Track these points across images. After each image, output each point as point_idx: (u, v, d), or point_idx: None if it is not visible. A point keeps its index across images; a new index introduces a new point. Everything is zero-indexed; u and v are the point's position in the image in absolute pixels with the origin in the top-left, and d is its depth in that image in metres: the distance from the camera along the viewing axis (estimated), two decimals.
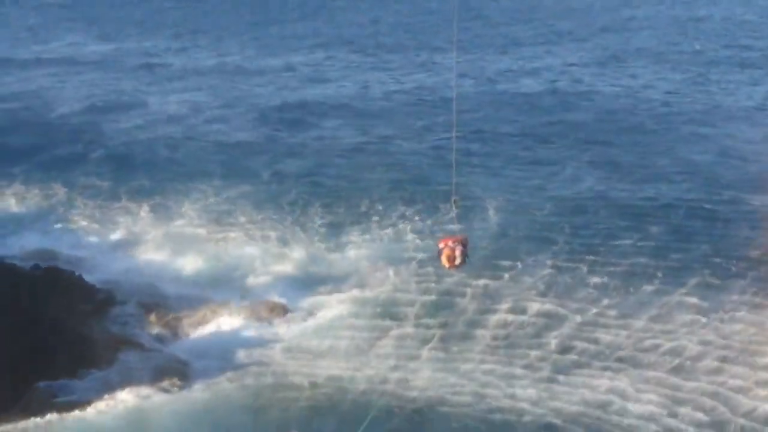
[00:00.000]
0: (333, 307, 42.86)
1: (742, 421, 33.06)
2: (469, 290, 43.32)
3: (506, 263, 45.96)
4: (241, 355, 38.95)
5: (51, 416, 34.41)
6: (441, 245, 27.72)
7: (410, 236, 50.38)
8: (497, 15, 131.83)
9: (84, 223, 54.01)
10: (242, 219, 53.61)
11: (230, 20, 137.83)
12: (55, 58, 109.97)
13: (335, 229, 51.83)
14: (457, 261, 27.05)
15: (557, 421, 33.84)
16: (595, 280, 44.18)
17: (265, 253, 48.97)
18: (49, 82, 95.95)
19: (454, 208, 30.29)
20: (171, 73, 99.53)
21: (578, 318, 40.68)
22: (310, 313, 42.44)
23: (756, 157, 61.14)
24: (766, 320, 39.65)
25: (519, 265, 45.88)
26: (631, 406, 34.31)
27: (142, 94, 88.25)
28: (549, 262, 46.15)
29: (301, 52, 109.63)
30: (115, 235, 52.19)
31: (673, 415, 33.71)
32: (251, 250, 49.21)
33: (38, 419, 34.26)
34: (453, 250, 27.08)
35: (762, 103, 76.83)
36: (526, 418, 34.01)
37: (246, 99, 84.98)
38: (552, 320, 40.85)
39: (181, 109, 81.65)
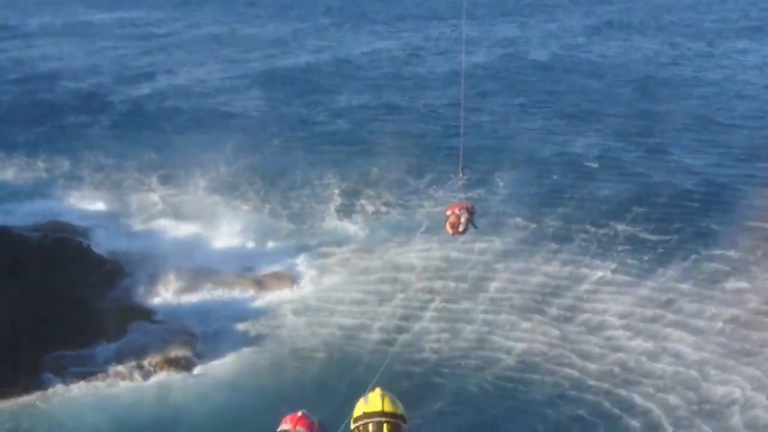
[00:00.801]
0: (339, 273, 43.37)
1: None
2: (473, 256, 43.77)
3: (512, 228, 46.35)
4: (251, 322, 39.44)
5: (61, 387, 34.76)
6: (448, 212, 26.97)
7: (418, 203, 50.72)
8: None
9: (91, 193, 54.00)
10: (251, 189, 53.78)
11: None
12: (60, 28, 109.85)
13: (345, 197, 51.97)
14: (461, 228, 26.37)
15: (565, 382, 34.68)
16: (598, 248, 44.43)
17: (274, 222, 49.25)
18: (54, 51, 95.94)
19: (461, 176, 29.22)
20: (178, 42, 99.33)
21: (583, 285, 40.94)
22: (317, 280, 42.93)
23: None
24: None
25: (524, 231, 46.25)
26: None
27: (150, 65, 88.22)
28: (552, 229, 46.53)
29: (308, 21, 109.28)
30: (123, 206, 52.28)
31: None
32: (260, 220, 49.46)
33: (49, 390, 34.61)
34: (458, 217, 26.31)
35: None
36: (526, 368, 35.25)
37: (254, 68, 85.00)
38: (555, 286, 41.38)
39: (188, 79, 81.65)
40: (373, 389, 8.91)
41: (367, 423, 8.61)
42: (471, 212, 26.46)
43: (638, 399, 33.31)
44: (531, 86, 75.00)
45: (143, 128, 66.85)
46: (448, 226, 26.54)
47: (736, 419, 31.70)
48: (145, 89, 78.26)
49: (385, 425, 8.58)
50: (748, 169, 54.05)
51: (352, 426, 8.74)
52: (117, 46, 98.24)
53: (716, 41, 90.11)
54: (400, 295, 40.91)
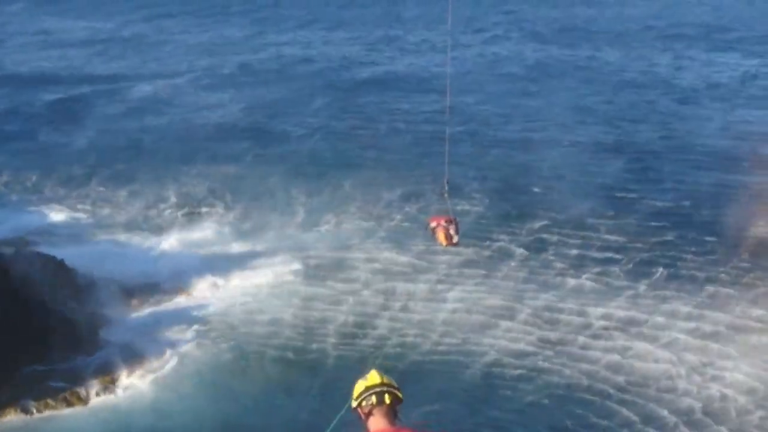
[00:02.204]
0: (298, 282, 44.47)
1: None
2: (436, 265, 44.96)
3: (485, 241, 47.17)
4: (220, 326, 40.39)
5: (38, 402, 35.06)
6: (433, 224, 28.91)
7: (387, 216, 51.45)
8: None
9: (63, 208, 54.48)
10: (219, 203, 54.37)
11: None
12: (31, 36, 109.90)
13: (311, 211, 52.56)
14: (454, 239, 28.16)
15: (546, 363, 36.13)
16: (569, 255, 45.48)
17: (238, 235, 49.90)
18: (24, 58, 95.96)
19: (445, 188, 30.87)
20: (152, 53, 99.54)
21: (547, 295, 41.81)
22: (277, 289, 43.84)
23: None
24: None
25: (496, 242, 47.03)
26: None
27: (124, 76, 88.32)
28: (528, 239, 47.53)
29: (287, 33, 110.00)
30: (93, 220, 52.85)
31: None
32: (225, 233, 50.16)
33: (26, 404, 34.95)
34: (447, 228, 28.09)
35: None
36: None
37: (230, 80, 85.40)
38: (525, 292, 42.25)
39: (163, 91, 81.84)
40: (370, 372, 9.41)
41: (371, 394, 9.06)
42: (456, 224, 28.31)
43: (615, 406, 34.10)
44: (510, 95, 75.81)
45: (115, 140, 67.14)
46: (442, 237, 28.21)
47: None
48: (121, 104, 78.38)
49: (386, 395, 9.05)
50: (723, 179, 55.19)
51: (354, 403, 9.16)
52: (90, 56, 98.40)
53: (687, 49, 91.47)
54: (352, 299, 42.11)
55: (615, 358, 36.77)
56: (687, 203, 51.79)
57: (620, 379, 35.44)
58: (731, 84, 78.05)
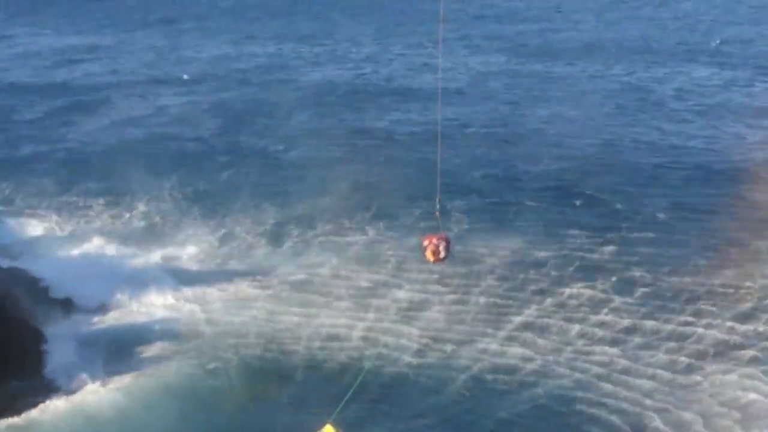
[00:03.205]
0: (266, 292, 44.71)
1: None
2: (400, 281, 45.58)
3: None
4: (186, 339, 40.43)
5: (18, 417, 34.94)
6: (426, 242, 29.81)
7: (358, 232, 51.74)
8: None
9: (34, 220, 54.64)
10: (191, 216, 54.63)
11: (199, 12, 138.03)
12: (13, 51, 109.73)
13: (284, 225, 52.93)
14: (442, 254, 29.10)
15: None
16: (551, 270, 46.16)
17: (207, 247, 50.21)
18: (7, 73, 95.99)
19: (437, 207, 32.53)
20: (133, 69, 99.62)
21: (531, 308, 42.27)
22: (247, 298, 44.17)
23: None
24: None
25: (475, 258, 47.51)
26: None
27: (104, 93, 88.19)
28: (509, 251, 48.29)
29: (266, 45, 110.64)
30: (64, 232, 53.05)
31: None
32: (195, 245, 50.45)
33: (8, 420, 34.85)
34: (437, 245, 29.10)
35: None
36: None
37: (206, 93, 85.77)
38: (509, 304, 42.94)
39: (143, 109, 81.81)
40: (324, 425, 9.37)
41: None
42: (447, 241, 29.41)
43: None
44: (497, 109, 76.72)
45: (92, 159, 67.11)
46: (429, 253, 29.28)
47: None
48: (98, 120, 78.34)
49: None
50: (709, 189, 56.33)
51: None
52: (65, 68, 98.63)
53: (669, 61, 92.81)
54: (323, 314, 42.42)
55: (601, 371, 37.05)
56: (671, 215, 52.66)
57: (607, 391, 35.76)
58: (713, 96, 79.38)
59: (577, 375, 36.91)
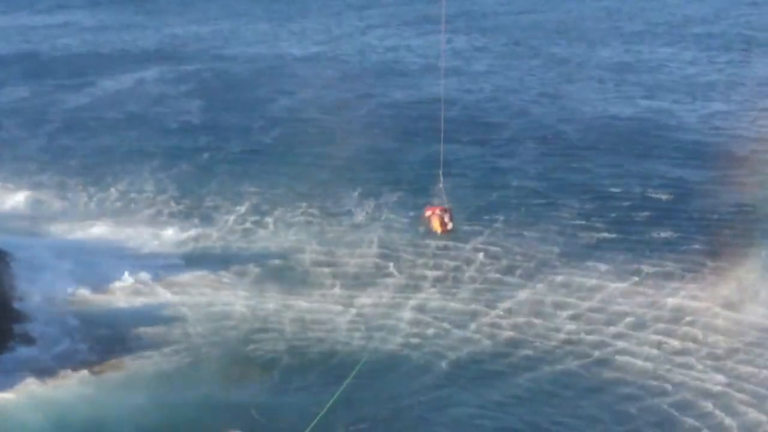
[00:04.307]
0: (244, 278, 43.18)
1: None
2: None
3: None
4: (163, 325, 38.77)
5: None
6: (428, 213, 30.71)
7: (345, 214, 50.58)
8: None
9: (17, 199, 53.59)
10: (170, 199, 53.33)
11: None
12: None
13: (264, 208, 51.49)
14: (449, 226, 29.92)
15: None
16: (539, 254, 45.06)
17: (183, 231, 48.65)
18: None
19: (440, 179, 32.73)
20: (117, 48, 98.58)
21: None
22: (225, 284, 42.68)
23: None
24: None
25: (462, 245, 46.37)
26: None
27: (84, 72, 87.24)
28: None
29: (255, 31, 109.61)
30: (50, 212, 51.88)
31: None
32: (171, 228, 48.99)
33: None
34: (441, 216, 29.89)
35: None
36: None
37: (193, 74, 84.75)
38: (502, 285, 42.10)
39: (123, 88, 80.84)
40: None
41: None
42: (450, 212, 30.15)
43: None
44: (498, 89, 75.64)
45: (70, 134, 66.48)
46: (437, 225, 30.10)
47: None
48: (82, 98, 77.27)
49: None
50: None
51: None
52: (53, 49, 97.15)
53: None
54: (303, 301, 40.93)
55: (584, 362, 35.86)
56: (664, 197, 51.99)
57: (593, 378, 34.71)
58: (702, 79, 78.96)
59: (573, 360, 35.90)
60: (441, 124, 38.81)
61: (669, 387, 33.76)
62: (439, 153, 38.21)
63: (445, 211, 30.24)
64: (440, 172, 32.61)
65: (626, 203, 51.34)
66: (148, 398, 33.18)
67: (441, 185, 32.43)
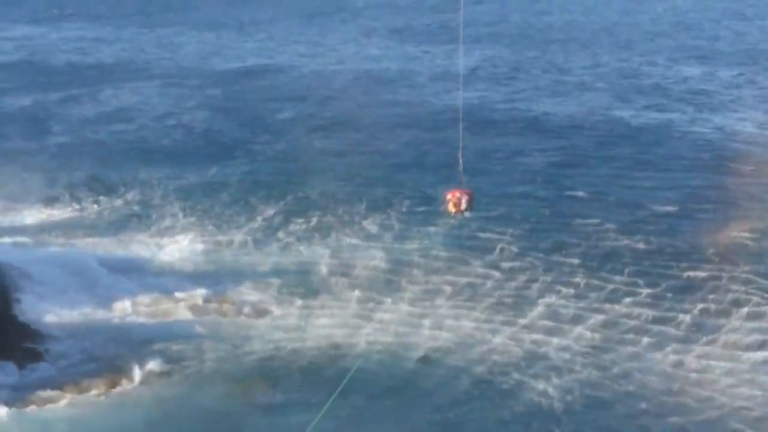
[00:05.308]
0: (262, 294, 42.49)
1: None
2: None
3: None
4: (175, 342, 37.96)
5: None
6: (449, 195, 31.26)
7: (349, 227, 49.85)
8: None
9: (26, 212, 53.22)
10: (177, 211, 52.64)
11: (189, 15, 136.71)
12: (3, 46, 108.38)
13: (275, 221, 50.94)
14: (463, 206, 30.54)
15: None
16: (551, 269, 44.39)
17: (193, 246, 47.85)
18: None
19: (460, 163, 33.15)
20: (125, 67, 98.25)
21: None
22: (240, 300, 41.92)
23: None
24: None
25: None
26: None
27: (94, 88, 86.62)
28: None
29: (259, 42, 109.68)
30: (58, 226, 51.09)
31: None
32: (184, 244, 48.17)
33: None
34: (459, 198, 30.58)
35: None
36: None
37: (196, 93, 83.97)
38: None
39: (130, 102, 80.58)
40: None
41: None
42: (471, 197, 30.86)
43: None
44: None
45: (78, 148, 66.07)
46: (450, 205, 30.86)
47: None
48: (87, 112, 77.01)
49: None
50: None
51: None
52: (59, 65, 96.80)
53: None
54: (321, 314, 40.52)
55: (594, 374, 35.34)
56: (680, 208, 51.56)
57: (613, 392, 34.23)
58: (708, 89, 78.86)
59: (593, 372, 35.40)
60: (459, 131, 38.39)
61: (691, 402, 33.21)
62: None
63: (464, 194, 30.95)
64: (460, 155, 32.76)
65: (642, 214, 50.78)
66: (157, 417, 32.78)
67: (461, 168, 32.75)
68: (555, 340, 37.61)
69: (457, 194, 30.97)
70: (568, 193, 54.56)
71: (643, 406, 33.10)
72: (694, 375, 34.98)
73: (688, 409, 32.80)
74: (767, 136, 64.35)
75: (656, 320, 39.08)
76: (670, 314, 39.36)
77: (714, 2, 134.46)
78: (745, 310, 39.40)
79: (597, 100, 76.76)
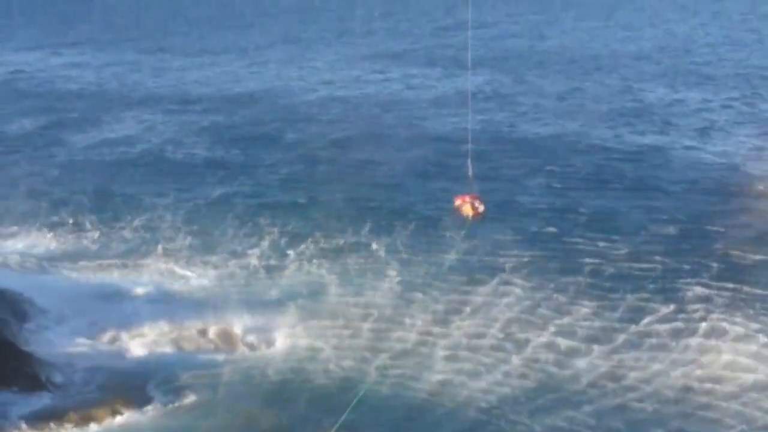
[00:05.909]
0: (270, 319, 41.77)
1: None
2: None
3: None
4: (181, 371, 37.28)
5: None
6: (458, 201, 30.93)
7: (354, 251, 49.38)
8: None
9: (30, 238, 52.73)
10: (182, 238, 52.03)
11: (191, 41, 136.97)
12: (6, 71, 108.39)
13: (274, 247, 50.31)
14: (480, 208, 30.20)
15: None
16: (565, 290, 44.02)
17: (199, 273, 47.25)
18: None
19: (469, 169, 33.12)
20: (126, 92, 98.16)
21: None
22: (263, 334, 40.94)
23: None
24: None
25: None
26: None
27: (97, 113, 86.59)
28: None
29: (263, 66, 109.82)
30: (62, 252, 50.69)
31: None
32: (192, 269, 47.68)
33: None
34: (473, 202, 30.26)
35: None
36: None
37: (199, 119, 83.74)
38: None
39: (133, 128, 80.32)
40: None
41: None
42: (480, 200, 30.56)
43: None
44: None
45: (82, 173, 65.70)
46: (468, 209, 30.31)
47: None
48: (90, 139, 76.76)
49: None
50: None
51: None
52: (65, 93, 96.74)
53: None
54: (329, 342, 39.68)
55: (613, 401, 34.74)
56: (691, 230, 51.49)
57: (630, 416, 33.79)
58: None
59: (609, 397, 34.88)
60: (468, 149, 38.45)
61: (709, 425, 32.83)
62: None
63: (475, 198, 30.69)
64: (469, 161, 32.73)
65: (646, 235, 50.58)
66: None
67: (470, 173, 32.65)
68: (570, 364, 37.06)
69: (467, 198, 30.68)
70: (574, 213, 54.35)
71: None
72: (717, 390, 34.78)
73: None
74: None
75: (673, 336, 38.86)
76: (684, 330, 39.36)
77: (713, 29, 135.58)
78: (757, 326, 39.21)
79: (599, 122, 76.58)
